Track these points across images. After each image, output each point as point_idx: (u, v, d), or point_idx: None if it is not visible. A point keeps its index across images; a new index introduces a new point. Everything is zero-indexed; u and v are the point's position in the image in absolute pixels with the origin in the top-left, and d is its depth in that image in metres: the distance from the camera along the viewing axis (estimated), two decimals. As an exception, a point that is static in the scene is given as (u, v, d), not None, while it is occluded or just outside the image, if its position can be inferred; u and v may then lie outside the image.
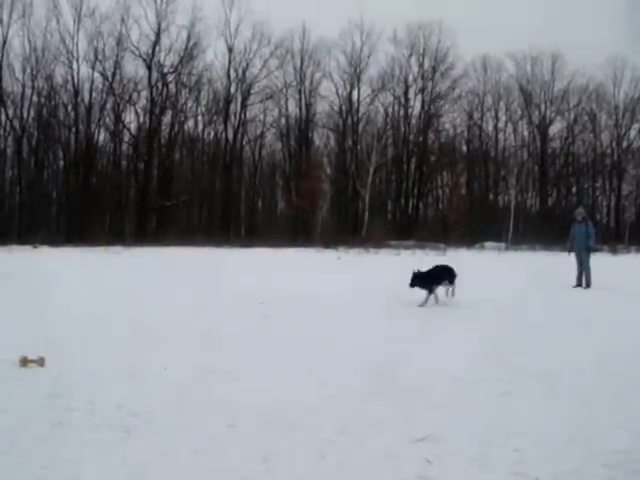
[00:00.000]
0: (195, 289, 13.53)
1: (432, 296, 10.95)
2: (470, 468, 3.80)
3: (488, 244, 44.10)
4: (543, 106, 56.00)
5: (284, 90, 53.26)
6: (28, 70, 48.72)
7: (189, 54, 50.50)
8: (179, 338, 7.79)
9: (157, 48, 50.11)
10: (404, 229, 48.59)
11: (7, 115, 48.70)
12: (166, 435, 4.27)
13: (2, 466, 3.71)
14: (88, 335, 7.92)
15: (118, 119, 50.35)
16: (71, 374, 5.94)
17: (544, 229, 45.64)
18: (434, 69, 53.99)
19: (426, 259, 27.53)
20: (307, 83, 53.24)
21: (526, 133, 56.82)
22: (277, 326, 8.80)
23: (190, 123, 53.34)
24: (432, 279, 10.96)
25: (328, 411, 4.83)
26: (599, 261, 17.28)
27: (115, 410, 4.80)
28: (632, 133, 56.69)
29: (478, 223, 50.54)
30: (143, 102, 50.74)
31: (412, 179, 54.53)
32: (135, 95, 50.66)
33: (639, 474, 3.79)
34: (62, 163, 51.06)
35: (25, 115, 49.14)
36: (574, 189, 57.83)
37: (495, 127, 56.07)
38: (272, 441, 4.15)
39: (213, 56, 51.66)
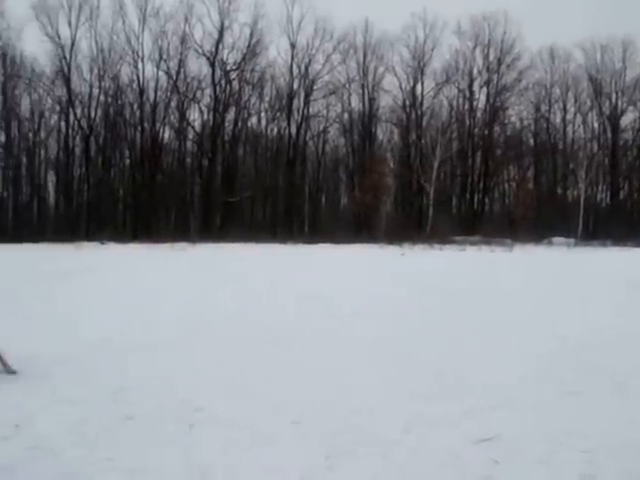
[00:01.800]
0: (260, 286, 13.73)
1: None
2: (537, 469, 3.71)
3: (556, 240, 42.89)
4: (614, 96, 54.09)
5: (347, 85, 52.99)
6: (95, 71, 50.15)
7: (252, 51, 50.83)
8: (243, 335, 7.84)
9: (220, 46, 50.67)
10: (469, 224, 47.63)
11: (75, 115, 49.91)
12: (229, 430, 4.29)
13: (71, 457, 3.76)
14: (152, 330, 8.06)
15: (182, 117, 50.88)
16: (137, 369, 6.06)
17: (615, 224, 44.03)
18: (499, 61, 52.84)
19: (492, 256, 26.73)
20: (370, 78, 52.81)
21: (596, 124, 54.96)
22: (343, 324, 8.69)
23: (253, 120, 53.66)
24: None
25: (393, 410, 4.79)
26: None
27: (180, 405, 4.86)
28: None
29: (546, 218, 48.95)
30: (207, 100, 51.47)
31: (477, 173, 53.50)
32: (199, 93, 51.44)
33: None
34: (128, 161, 51.78)
35: (93, 115, 50.30)
36: (647, 182, 55.43)
37: (563, 119, 54.44)
38: (335, 439, 4.13)
39: (276, 53, 51.83)
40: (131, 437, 4.14)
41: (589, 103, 54.38)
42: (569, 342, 7.47)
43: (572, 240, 42.94)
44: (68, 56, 48.89)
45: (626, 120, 54.43)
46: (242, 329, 8.26)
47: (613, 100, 54.11)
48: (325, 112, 53.18)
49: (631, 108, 54.05)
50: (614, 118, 53.87)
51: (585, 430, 4.32)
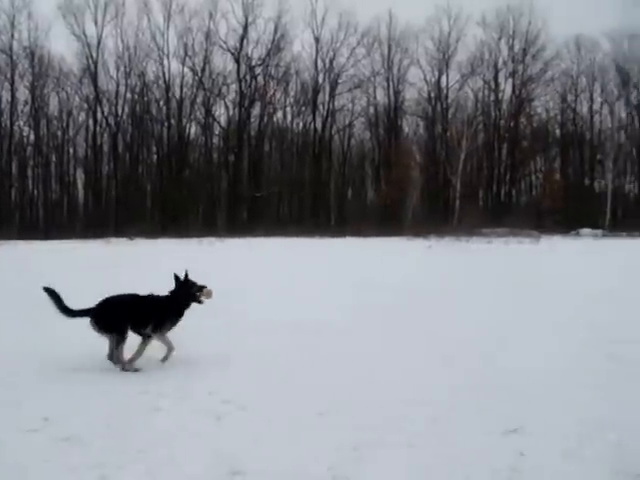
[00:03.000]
0: (289, 278, 14.03)
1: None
2: (565, 462, 3.71)
3: (584, 231, 44.00)
4: None
5: (372, 78, 55.11)
6: (122, 68, 52.49)
7: (276, 46, 53.03)
8: (272, 326, 7.98)
9: (245, 41, 52.98)
10: (496, 216, 48.38)
11: (103, 113, 51.93)
12: (257, 422, 4.40)
13: (100, 449, 3.89)
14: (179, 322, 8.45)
15: (208, 113, 52.86)
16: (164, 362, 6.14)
17: (644, 214, 44.66)
18: (525, 52, 54.52)
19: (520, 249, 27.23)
20: (395, 71, 55.01)
21: (623, 114, 56.04)
22: (372, 315, 8.93)
23: (279, 114, 55.72)
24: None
25: (420, 401, 4.86)
26: None
27: (207, 397, 4.97)
28: None
29: (573, 209, 50.06)
30: (232, 95, 53.89)
31: (504, 165, 55.32)
32: (224, 89, 53.52)
33: None
34: (155, 157, 53.33)
35: (120, 112, 52.18)
36: (677, 172, 55.92)
37: (590, 109, 55.79)
38: (363, 430, 4.21)
39: (300, 47, 53.84)
40: (160, 429, 4.28)
41: (616, 93, 55.58)
42: (600, 333, 7.68)
43: (599, 231, 43.69)
44: (95, 54, 51.47)
45: (654, 109, 54.86)
46: (270, 318, 8.48)
47: (641, 90, 54.58)
48: (350, 106, 55.53)
49: (659, 97, 54.56)
50: (642, 108, 54.36)
51: (617, 422, 4.38)
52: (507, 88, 54.74)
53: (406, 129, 57.33)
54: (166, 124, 52.11)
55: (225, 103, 53.22)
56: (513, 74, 54.33)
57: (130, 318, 5.84)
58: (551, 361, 6.23)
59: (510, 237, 37.73)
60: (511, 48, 54.30)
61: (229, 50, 52.14)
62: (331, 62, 53.48)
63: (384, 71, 54.21)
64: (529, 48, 53.87)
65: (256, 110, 53.07)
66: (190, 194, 51.17)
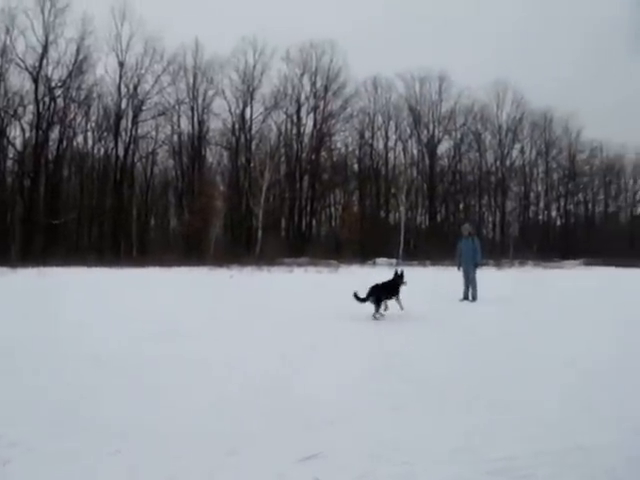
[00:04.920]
0: (82, 310, 13.76)
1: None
2: None
3: (380, 260, 49.05)
4: (431, 125, 62.80)
5: (176, 107, 58.14)
6: None
7: (78, 68, 53.79)
8: (63, 359, 7.83)
9: (44, 61, 52.90)
10: (298, 246, 52.39)
11: None
12: (47, 464, 4.30)
13: None
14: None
15: (2, 134, 52.36)
16: None
17: (433, 245, 50.87)
18: (326, 88, 59.81)
19: (319, 277, 29.67)
20: (200, 100, 58.25)
21: (415, 152, 63.65)
22: (168, 346, 8.96)
23: (79, 139, 56.65)
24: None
25: (216, 433, 4.97)
26: (485, 275, 18.80)
27: None
28: (514, 153, 64.19)
29: (370, 240, 54.97)
30: (29, 117, 53.64)
31: (305, 197, 60.07)
32: (20, 109, 52.57)
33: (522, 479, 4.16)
34: (-60, 180, 51.10)
35: None
36: (461, 206, 64.04)
37: (385, 146, 62.52)
38: (159, 465, 4.27)
39: (103, 71, 54.98)
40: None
41: (409, 131, 62.70)
42: (389, 356, 8.35)
43: (394, 260, 48.53)
44: None
45: (442, 148, 64.23)
46: (60, 351, 8.32)
47: (430, 129, 62.46)
48: (154, 133, 57.99)
49: (446, 137, 63.52)
50: (431, 146, 62.28)
51: (407, 442, 4.73)
52: (309, 122, 60.55)
53: (210, 159, 60.74)
54: (-47, 144, 50.90)
55: (21, 124, 53.18)
56: (315, 109, 59.51)
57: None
58: (343, 385, 6.65)
59: (310, 266, 41.13)
60: (313, 84, 59.86)
61: (27, 69, 52.18)
62: (135, 88, 55.38)
63: (189, 100, 57.41)
64: (330, 85, 59.78)
65: (55, 133, 53.65)
66: (-21, 220, 50.26)
